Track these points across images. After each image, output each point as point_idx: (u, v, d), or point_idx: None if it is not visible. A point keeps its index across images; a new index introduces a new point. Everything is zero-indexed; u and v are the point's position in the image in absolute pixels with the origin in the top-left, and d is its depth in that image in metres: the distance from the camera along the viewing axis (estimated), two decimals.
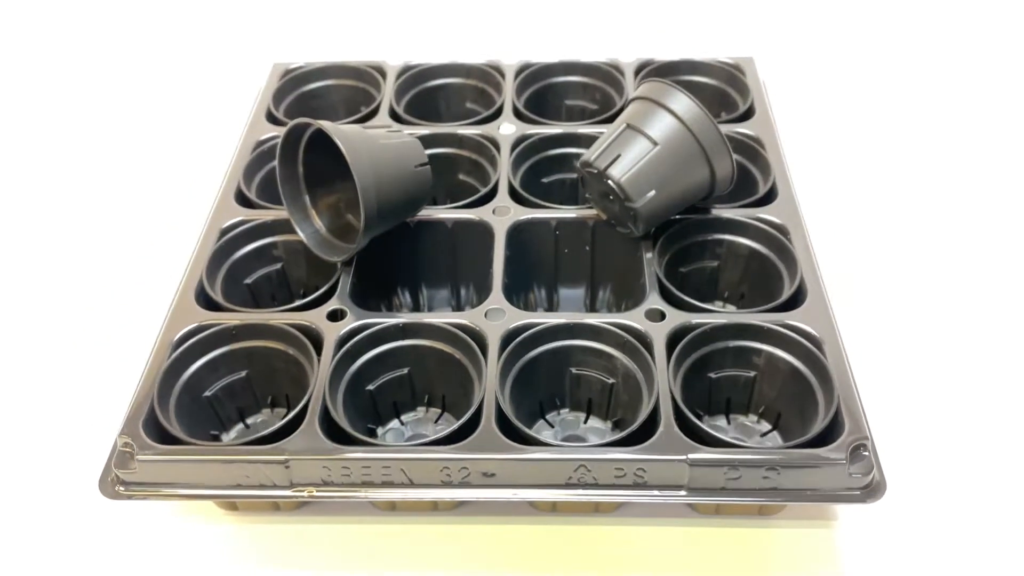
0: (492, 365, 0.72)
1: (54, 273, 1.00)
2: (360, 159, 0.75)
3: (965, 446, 0.79)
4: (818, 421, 0.69)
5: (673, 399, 0.69)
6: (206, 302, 0.79)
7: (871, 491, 0.65)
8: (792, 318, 0.75)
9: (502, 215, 0.86)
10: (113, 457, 0.68)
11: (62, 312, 0.95)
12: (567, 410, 0.79)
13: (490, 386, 0.70)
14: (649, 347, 0.73)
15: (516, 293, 0.87)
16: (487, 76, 1.04)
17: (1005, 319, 0.90)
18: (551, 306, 0.91)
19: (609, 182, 0.78)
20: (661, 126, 0.78)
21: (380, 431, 0.78)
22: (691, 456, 0.65)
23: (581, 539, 0.73)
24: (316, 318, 0.76)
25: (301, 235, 0.82)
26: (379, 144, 0.78)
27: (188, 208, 1.02)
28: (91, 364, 0.89)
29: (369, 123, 0.83)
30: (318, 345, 0.75)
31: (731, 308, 0.87)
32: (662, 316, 0.75)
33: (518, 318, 0.76)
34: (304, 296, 0.89)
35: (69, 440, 0.82)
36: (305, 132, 0.79)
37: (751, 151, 0.92)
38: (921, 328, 0.90)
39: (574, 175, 0.96)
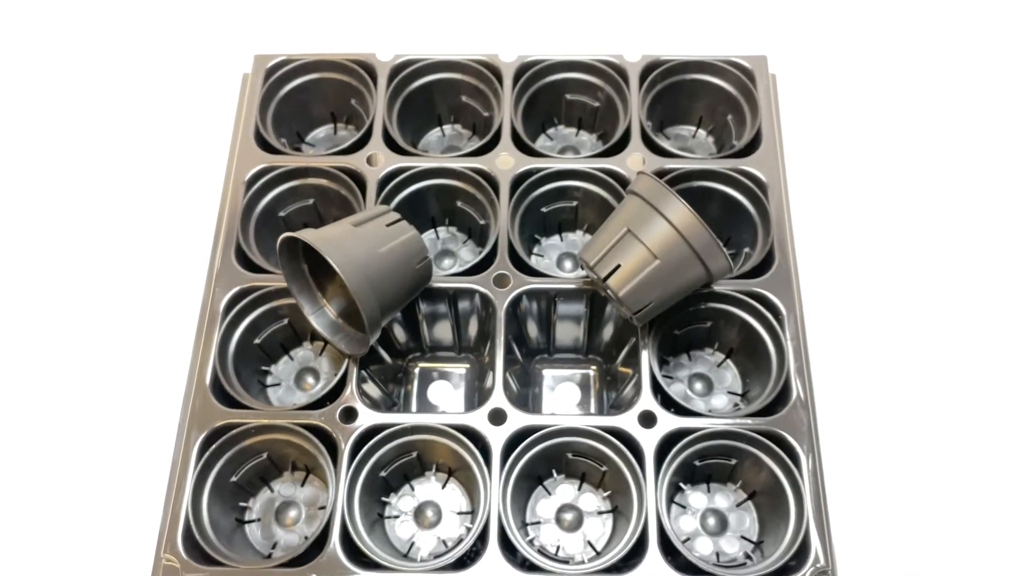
0: (495, 469, 0.79)
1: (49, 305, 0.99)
2: (361, 281, 0.75)
3: (926, 565, 0.85)
4: (787, 535, 0.77)
5: (659, 522, 0.76)
6: (223, 397, 0.83)
7: None
8: (774, 424, 0.80)
9: (502, 286, 0.87)
10: (160, 571, 0.76)
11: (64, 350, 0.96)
12: (563, 477, 0.86)
13: (494, 500, 0.77)
14: (640, 455, 0.79)
15: (514, 339, 0.90)
16: (483, 76, 0.99)
17: (988, 443, 0.90)
18: (548, 342, 0.95)
19: (608, 291, 0.79)
20: (660, 237, 0.77)
21: (393, 499, 0.86)
22: None
23: None
24: (329, 418, 0.81)
25: (314, 324, 0.84)
26: (378, 254, 0.78)
27: (174, 255, 0.99)
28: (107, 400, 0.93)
29: (363, 217, 0.78)
30: (332, 443, 0.81)
31: (720, 356, 0.91)
32: (654, 421, 0.80)
33: (519, 421, 0.81)
34: (312, 339, 0.94)
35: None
36: (299, 239, 0.78)
37: (754, 196, 0.91)
38: (904, 444, 0.90)
39: (573, 203, 0.95)
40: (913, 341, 0.94)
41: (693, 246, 0.77)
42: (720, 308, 0.87)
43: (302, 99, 1.01)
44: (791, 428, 0.80)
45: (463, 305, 0.89)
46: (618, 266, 0.78)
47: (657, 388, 0.82)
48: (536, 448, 0.81)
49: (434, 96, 1.01)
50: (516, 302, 0.87)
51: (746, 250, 0.92)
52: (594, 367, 0.95)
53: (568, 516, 0.85)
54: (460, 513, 0.85)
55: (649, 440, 0.79)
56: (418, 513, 0.85)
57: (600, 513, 0.85)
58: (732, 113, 0.99)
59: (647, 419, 0.81)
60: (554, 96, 1.01)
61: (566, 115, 1.03)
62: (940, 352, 0.94)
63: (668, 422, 0.80)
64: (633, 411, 0.81)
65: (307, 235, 0.76)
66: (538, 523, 0.85)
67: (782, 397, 0.82)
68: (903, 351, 0.94)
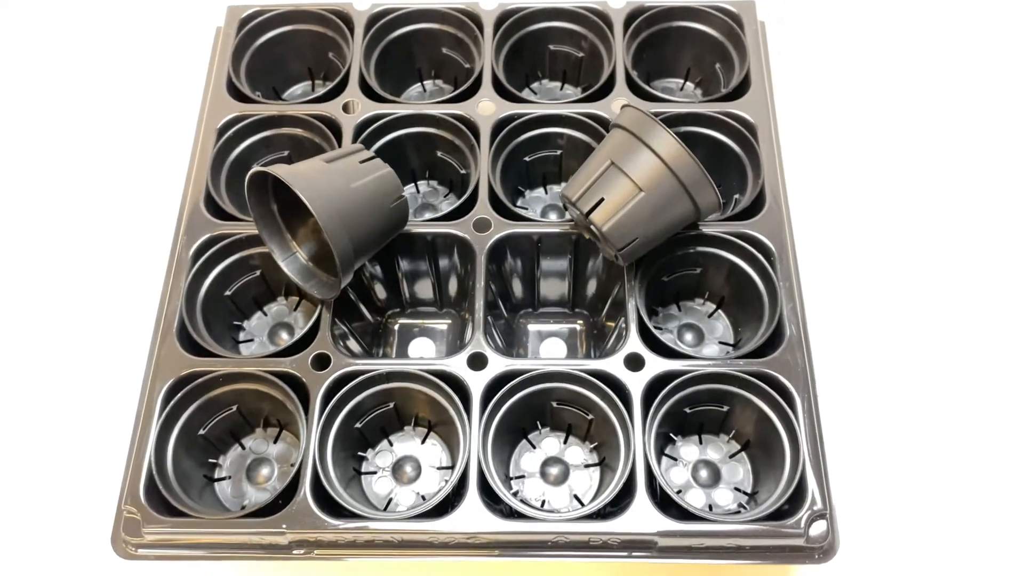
0: (475, 416, 0.75)
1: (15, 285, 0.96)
2: (330, 214, 0.72)
3: (924, 508, 0.82)
4: (783, 478, 0.73)
5: (648, 465, 0.72)
6: (190, 345, 0.79)
7: (825, 552, 0.71)
8: (768, 366, 0.76)
9: (483, 230, 0.83)
10: (120, 524, 0.72)
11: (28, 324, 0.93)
12: (548, 429, 0.83)
13: (474, 446, 0.73)
14: (627, 398, 0.75)
15: (496, 277, 0.86)
16: (464, 25, 0.96)
17: (984, 379, 0.88)
18: (532, 295, 0.91)
19: (592, 226, 0.76)
20: (645, 168, 0.74)
21: (370, 454, 0.82)
22: (661, 529, 0.70)
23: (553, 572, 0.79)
24: (300, 365, 0.77)
25: (285, 269, 0.80)
26: (350, 189, 0.74)
27: (147, 207, 0.96)
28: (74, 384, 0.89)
29: (336, 153, 0.75)
30: (303, 391, 0.77)
31: (711, 307, 0.88)
32: (641, 363, 0.77)
33: (500, 366, 0.77)
34: (286, 294, 0.90)
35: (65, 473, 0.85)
36: (268, 176, 0.75)
37: (744, 140, 0.87)
38: (900, 386, 0.87)
39: (557, 152, 0.92)
40: (907, 281, 0.92)
41: (680, 178, 0.74)
42: (710, 252, 0.83)
43: (277, 52, 0.98)
44: (785, 369, 0.76)
45: (442, 252, 0.86)
46: (601, 200, 0.75)
47: (645, 333, 0.79)
48: (518, 395, 0.77)
49: (413, 48, 0.99)
50: (497, 248, 0.84)
51: (736, 196, 0.89)
52: (580, 321, 0.92)
53: (553, 470, 0.81)
54: (440, 468, 0.81)
55: (636, 383, 0.76)
56: (396, 468, 0.82)
57: (587, 466, 0.81)
58: (720, 61, 0.96)
59: (634, 362, 0.77)
60: (537, 47, 0.98)
61: (550, 68, 1.01)
62: (935, 289, 0.92)
63: (656, 364, 0.77)
64: (619, 354, 0.77)
65: (276, 169, 0.73)
66: (522, 477, 0.81)
67: (775, 339, 0.78)
68: (897, 291, 0.91)
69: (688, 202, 0.75)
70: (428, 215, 0.93)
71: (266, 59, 0.97)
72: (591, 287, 0.90)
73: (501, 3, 0.96)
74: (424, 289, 0.91)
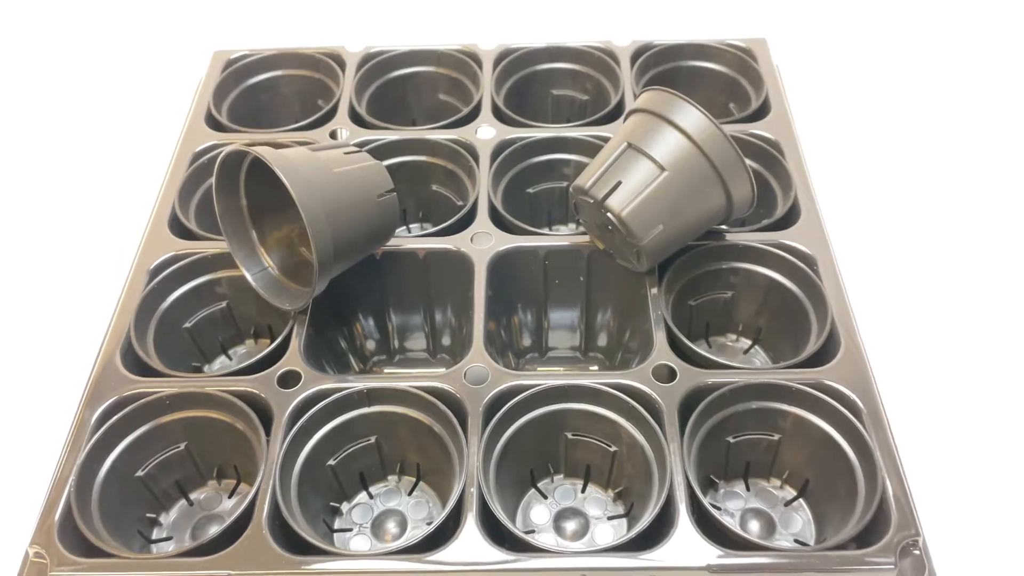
0: (474, 438, 0.61)
1: None
2: (311, 197, 0.62)
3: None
4: (858, 507, 0.59)
5: (689, 486, 0.58)
6: (136, 364, 0.67)
7: None
8: (824, 375, 0.64)
9: (482, 244, 0.73)
10: (26, 567, 0.57)
11: None
12: (562, 476, 0.68)
13: (471, 471, 0.59)
14: (658, 414, 0.62)
15: (500, 325, 0.75)
16: (462, 64, 0.91)
17: None
18: (540, 339, 0.80)
19: (609, 215, 0.66)
20: (668, 146, 0.65)
21: (345, 507, 0.67)
22: (712, 563, 0.55)
23: None
24: (264, 384, 0.65)
25: (248, 277, 0.70)
26: (333, 174, 0.65)
27: (114, 232, 0.88)
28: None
29: (321, 144, 0.70)
30: (267, 416, 0.64)
31: (746, 343, 0.76)
32: (672, 375, 0.64)
33: (503, 380, 0.65)
34: (255, 336, 0.78)
35: None
36: (243, 160, 0.66)
37: (768, 158, 0.80)
38: (975, 390, 0.76)
39: (563, 183, 0.84)
40: (952, 280, 0.83)
41: (709, 157, 0.65)
42: (743, 268, 0.73)
43: (263, 100, 0.92)
44: (846, 379, 0.63)
45: (436, 275, 0.75)
46: (619, 183, 0.66)
47: (674, 344, 0.67)
48: (525, 417, 0.64)
49: (407, 95, 0.93)
50: (499, 266, 0.73)
51: (764, 221, 0.80)
52: (595, 367, 0.80)
53: (570, 524, 0.66)
54: (431, 525, 0.66)
55: (669, 397, 0.63)
56: (376, 525, 0.66)
57: (610, 518, 0.66)
58: (733, 100, 0.90)
59: (664, 374, 0.64)
60: (539, 94, 0.93)
61: (553, 117, 0.95)
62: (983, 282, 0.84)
63: (690, 376, 0.64)
64: (646, 365, 0.65)
65: (255, 149, 0.64)
66: (532, 532, 0.65)
67: (826, 351, 0.66)
68: (943, 294, 0.82)
69: (719, 188, 0.66)
70: None
71: (251, 104, 0.92)
72: (607, 321, 0.78)
73: (501, 43, 0.92)
74: (414, 330, 0.79)
